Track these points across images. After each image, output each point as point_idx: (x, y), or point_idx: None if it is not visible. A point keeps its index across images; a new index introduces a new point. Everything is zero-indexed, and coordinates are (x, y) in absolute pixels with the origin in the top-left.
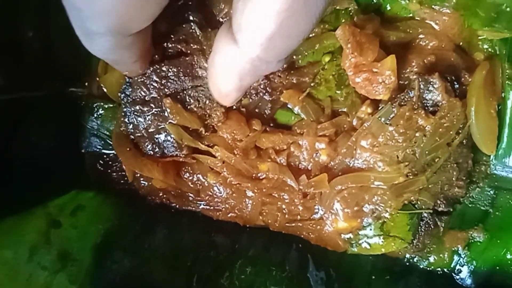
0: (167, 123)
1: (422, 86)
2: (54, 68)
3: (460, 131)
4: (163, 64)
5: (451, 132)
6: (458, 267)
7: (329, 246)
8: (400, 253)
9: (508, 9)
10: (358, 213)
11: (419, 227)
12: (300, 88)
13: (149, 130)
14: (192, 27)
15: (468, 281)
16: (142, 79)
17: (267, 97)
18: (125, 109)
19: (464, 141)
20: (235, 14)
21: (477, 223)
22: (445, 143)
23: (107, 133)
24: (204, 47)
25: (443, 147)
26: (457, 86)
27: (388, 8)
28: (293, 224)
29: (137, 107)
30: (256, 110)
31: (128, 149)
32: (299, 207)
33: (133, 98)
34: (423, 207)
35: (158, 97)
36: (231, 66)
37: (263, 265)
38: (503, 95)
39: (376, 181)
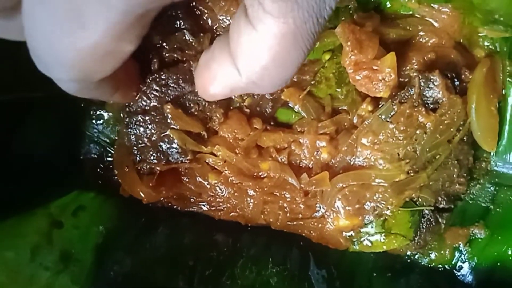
0: (170, 129)
1: (422, 84)
2: None
3: (461, 128)
4: (162, 73)
5: (451, 129)
6: (459, 263)
7: (331, 244)
8: (401, 250)
9: (502, 18)
10: (359, 211)
11: (421, 224)
12: (300, 87)
13: (152, 139)
14: (185, 35)
15: (469, 278)
16: (143, 89)
17: (268, 95)
18: (126, 120)
19: (464, 138)
20: (232, 42)
21: (478, 220)
22: (445, 140)
23: (107, 140)
24: (199, 52)
25: (444, 144)
26: (457, 83)
27: (388, 5)
28: (295, 223)
29: (139, 117)
30: (257, 109)
31: (126, 168)
32: (301, 206)
33: (134, 108)
34: (424, 204)
35: (159, 105)
36: (226, 79)
37: (264, 263)
38: (503, 92)
39: (377, 179)
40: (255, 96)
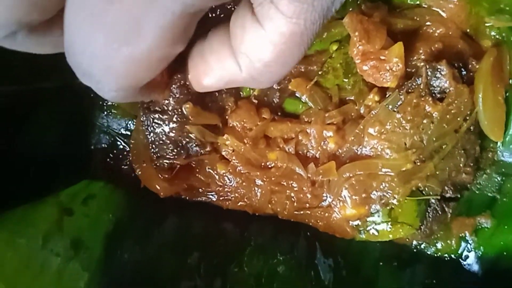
0: (188, 125)
1: (429, 73)
2: (63, 59)
3: (468, 118)
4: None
5: (458, 119)
6: (465, 253)
7: (337, 233)
8: (407, 239)
9: (507, 8)
10: (366, 200)
11: (427, 214)
12: (308, 77)
13: (170, 136)
14: None
15: (475, 267)
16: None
17: (276, 86)
18: (144, 119)
19: (471, 128)
20: (234, 38)
21: (485, 209)
22: (452, 129)
23: (117, 130)
24: None
25: (451, 134)
26: (464, 73)
27: None
28: (302, 212)
29: (157, 116)
30: (265, 99)
31: (143, 162)
32: (308, 195)
33: (152, 108)
34: (431, 193)
35: (177, 106)
36: (224, 72)
37: (271, 252)
38: (510, 82)
39: (384, 168)
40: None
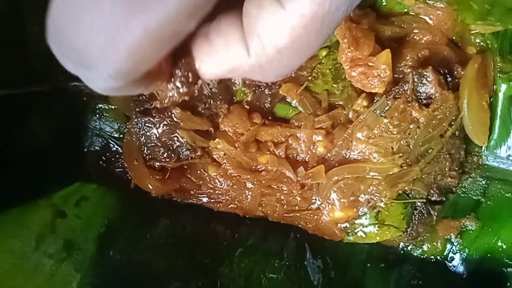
0: (179, 129)
1: (416, 79)
2: (57, 62)
3: (453, 123)
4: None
5: (444, 124)
6: (450, 255)
7: (326, 235)
8: (394, 241)
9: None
10: (354, 203)
11: (413, 216)
12: (298, 82)
13: (162, 139)
14: None
15: (461, 269)
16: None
17: (267, 91)
18: (136, 121)
19: (456, 133)
20: (248, 17)
21: (469, 212)
22: (438, 134)
23: (110, 133)
24: None
25: (436, 139)
26: (450, 79)
27: (384, 3)
28: (291, 214)
29: (148, 119)
30: (256, 104)
31: (135, 161)
32: (297, 198)
33: (142, 109)
34: (417, 196)
35: (168, 108)
36: (230, 57)
37: (261, 254)
38: (494, 88)
39: (371, 172)
40: (256, 91)
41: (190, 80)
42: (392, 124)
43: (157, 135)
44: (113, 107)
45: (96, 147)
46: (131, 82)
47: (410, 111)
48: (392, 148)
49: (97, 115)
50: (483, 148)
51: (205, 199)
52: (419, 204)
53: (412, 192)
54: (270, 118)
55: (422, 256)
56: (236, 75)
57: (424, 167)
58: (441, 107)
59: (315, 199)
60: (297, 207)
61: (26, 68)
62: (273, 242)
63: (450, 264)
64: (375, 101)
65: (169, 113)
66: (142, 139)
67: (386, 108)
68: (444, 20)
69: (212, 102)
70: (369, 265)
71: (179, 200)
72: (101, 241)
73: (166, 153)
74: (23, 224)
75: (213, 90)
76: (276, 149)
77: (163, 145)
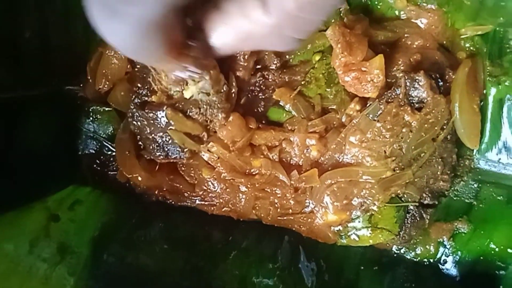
0: (169, 129)
1: (408, 84)
2: (51, 66)
3: (445, 127)
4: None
5: (436, 128)
6: (443, 257)
7: (320, 238)
8: (388, 244)
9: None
10: (347, 206)
11: (406, 220)
12: (291, 86)
13: (153, 134)
14: None
15: (453, 271)
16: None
17: (260, 95)
18: (133, 110)
19: (448, 137)
20: None
21: (462, 215)
22: (430, 138)
23: (104, 135)
24: None
25: (429, 142)
26: (441, 83)
27: (378, 7)
28: (285, 218)
29: (142, 113)
30: (250, 107)
31: (127, 152)
32: (291, 201)
33: (143, 100)
34: (409, 200)
35: (162, 105)
36: (245, 19)
37: (256, 256)
38: (485, 91)
39: (364, 176)
40: (249, 96)
41: (203, 59)
42: (384, 128)
43: (149, 130)
44: (107, 109)
45: (91, 150)
46: (150, 28)
47: (403, 115)
48: (385, 152)
49: (91, 118)
50: (475, 151)
51: (198, 202)
52: (411, 207)
53: (405, 196)
54: (263, 122)
55: (415, 259)
56: (252, 44)
57: (417, 171)
58: (433, 111)
59: (309, 203)
60: (290, 211)
61: (20, 73)
62: (267, 245)
63: (443, 267)
64: (368, 105)
65: (163, 111)
66: (136, 130)
67: (379, 112)
68: (435, 24)
69: (209, 108)
70: (362, 268)
71: (173, 202)
72: (95, 244)
73: (155, 148)
74: (17, 227)
75: (212, 97)
76: (270, 153)
77: (153, 140)
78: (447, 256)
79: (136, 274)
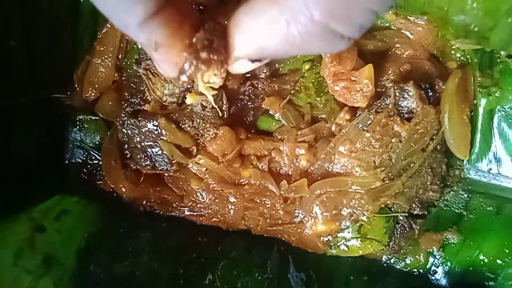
0: (160, 139)
1: (397, 94)
2: (37, 75)
3: (434, 137)
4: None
5: (425, 138)
6: (433, 268)
7: (309, 248)
8: (377, 255)
9: (476, 28)
10: (336, 217)
11: (395, 230)
12: (281, 95)
13: (143, 144)
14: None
15: (443, 282)
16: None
17: (250, 104)
18: (124, 118)
19: (438, 147)
20: None
21: (452, 225)
22: (419, 148)
23: (91, 144)
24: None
25: (418, 153)
26: (431, 93)
27: None
28: (274, 228)
29: (133, 121)
30: (239, 117)
31: (113, 162)
32: (280, 212)
33: (135, 109)
34: (399, 210)
35: (156, 115)
36: (284, 25)
37: (245, 266)
38: (475, 102)
39: (353, 186)
40: (238, 104)
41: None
42: (374, 138)
43: (139, 139)
44: (94, 118)
45: (78, 159)
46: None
47: (392, 125)
48: (374, 162)
49: (78, 127)
50: (465, 161)
51: (187, 212)
52: (401, 218)
53: (394, 206)
54: (253, 131)
55: (405, 269)
56: (297, 48)
57: (406, 181)
58: (423, 121)
59: (298, 213)
60: (280, 221)
61: (5, 82)
62: (257, 254)
63: (433, 277)
64: (357, 115)
65: (156, 121)
66: (125, 138)
67: (368, 122)
68: (425, 35)
69: (201, 122)
70: (352, 278)
71: (161, 212)
72: (81, 255)
73: (143, 158)
74: (1, 239)
75: (207, 112)
76: (259, 163)
77: (142, 150)
78: (437, 267)
79: (124, 284)
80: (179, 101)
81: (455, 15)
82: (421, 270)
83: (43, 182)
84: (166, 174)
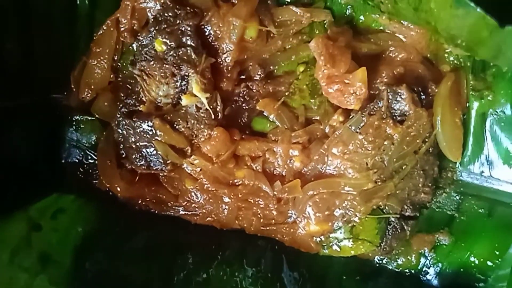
0: (155, 139)
1: (390, 97)
2: (34, 76)
3: (427, 140)
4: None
5: (417, 141)
6: (425, 268)
7: (302, 248)
8: (370, 255)
9: (464, 43)
10: (329, 217)
11: (387, 231)
12: (275, 97)
13: (138, 144)
14: (188, 51)
15: (434, 282)
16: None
17: (245, 105)
18: (119, 119)
19: (430, 149)
20: None
21: (443, 227)
22: (412, 151)
23: (87, 144)
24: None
25: (410, 155)
26: (423, 96)
27: (361, 19)
28: (268, 228)
29: (128, 121)
30: (234, 118)
31: (109, 162)
32: (274, 212)
33: (131, 110)
34: (391, 211)
35: (150, 116)
36: None
37: (239, 265)
38: (467, 105)
39: (346, 187)
40: (233, 106)
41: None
42: (367, 140)
43: (134, 139)
44: (90, 118)
45: (74, 159)
46: None
47: (385, 127)
48: (367, 164)
49: (74, 127)
50: (457, 164)
51: (182, 212)
52: (393, 219)
53: (386, 208)
54: (247, 132)
55: (397, 270)
56: None
57: (398, 183)
58: (415, 124)
59: (291, 213)
60: (273, 221)
61: (3, 83)
62: (250, 254)
63: (424, 278)
64: (351, 117)
65: (151, 121)
66: (120, 138)
67: (361, 124)
68: (419, 39)
69: (196, 123)
70: (345, 277)
71: (156, 212)
72: (77, 253)
73: (138, 158)
74: None
75: (201, 113)
76: (253, 163)
77: (137, 150)
78: (428, 268)
79: (119, 283)
80: (174, 102)
81: (442, 30)
82: (412, 271)
83: (39, 181)
84: (161, 174)
